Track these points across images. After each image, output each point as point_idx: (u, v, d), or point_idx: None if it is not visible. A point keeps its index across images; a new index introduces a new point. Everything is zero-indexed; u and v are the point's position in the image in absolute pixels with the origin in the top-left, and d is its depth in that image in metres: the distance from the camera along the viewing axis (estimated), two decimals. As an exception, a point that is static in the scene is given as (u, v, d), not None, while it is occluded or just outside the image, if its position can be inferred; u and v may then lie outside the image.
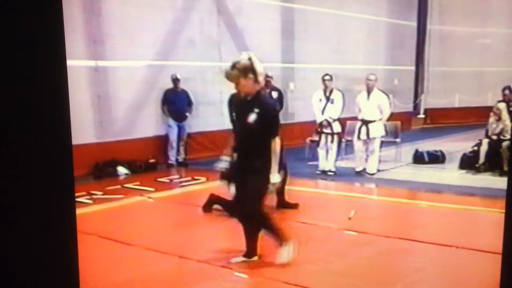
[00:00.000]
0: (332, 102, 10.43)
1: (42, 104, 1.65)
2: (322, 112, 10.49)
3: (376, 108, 10.44)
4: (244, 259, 5.51)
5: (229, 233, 6.15)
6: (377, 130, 10.48)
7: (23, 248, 1.64)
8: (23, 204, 1.63)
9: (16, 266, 1.63)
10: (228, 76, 5.20)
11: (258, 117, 5.15)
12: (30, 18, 1.60)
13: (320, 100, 10.53)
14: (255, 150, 5.20)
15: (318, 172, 10.67)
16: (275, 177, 5.17)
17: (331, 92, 10.49)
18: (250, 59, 5.16)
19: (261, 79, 5.25)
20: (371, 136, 10.45)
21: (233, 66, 5.16)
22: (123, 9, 11.05)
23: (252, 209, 5.27)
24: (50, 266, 1.71)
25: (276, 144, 5.16)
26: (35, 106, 1.64)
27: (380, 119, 10.49)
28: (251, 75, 5.13)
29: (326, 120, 10.46)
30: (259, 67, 5.19)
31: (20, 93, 1.59)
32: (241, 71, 5.12)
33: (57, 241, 1.71)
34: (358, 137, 10.61)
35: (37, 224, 1.67)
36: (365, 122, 10.48)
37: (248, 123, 5.18)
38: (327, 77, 10.53)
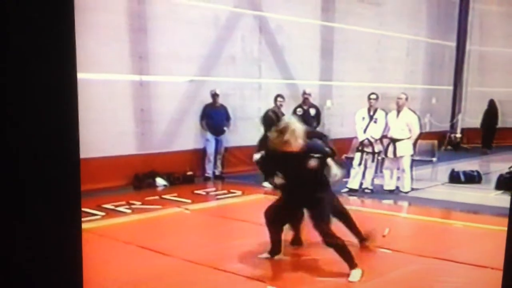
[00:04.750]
0: (375, 122, 10.44)
1: (51, 114, 1.61)
2: (364, 131, 10.49)
3: (405, 127, 10.44)
4: (269, 256, 6.06)
5: (264, 246, 6.25)
6: (405, 149, 10.45)
7: (27, 258, 1.63)
8: (29, 215, 1.60)
9: (21, 275, 1.63)
10: (276, 144, 5.46)
11: (318, 159, 5.55)
12: (42, 29, 1.55)
13: (363, 118, 10.52)
14: (317, 184, 5.71)
15: (345, 189, 10.46)
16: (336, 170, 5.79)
17: (375, 111, 10.50)
18: (291, 123, 5.50)
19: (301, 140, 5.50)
20: (398, 154, 10.45)
21: (280, 133, 5.42)
22: (168, 26, 11.34)
23: (326, 235, 5.55)
24: (55, 277, 1.70)
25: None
26: (44, 117, 1.60)
27: (409, 138, 10.48)
28: (298, 139, 5.44)
29: (367, 139, 10.47)
30: (300, 129, 5.50)
31: (30, 104, 1.56)
32: (290, 136, 5.38)
33: (63, 253, 1.70)
34: (386, 155, 10.63)
35: (43, 235, 1.65)
36: (393, 141, 10.49)
37: (309, 168, 5.51)
38: (373, 96, 10.50)
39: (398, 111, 10.52)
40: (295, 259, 5.91)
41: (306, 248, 6.24)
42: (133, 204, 9.18)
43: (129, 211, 8.76)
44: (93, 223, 7.81)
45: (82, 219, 7.80)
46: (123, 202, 9.19)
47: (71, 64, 1.62)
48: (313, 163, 5.53)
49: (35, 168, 1.58)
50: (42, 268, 1.66)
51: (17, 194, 1.56)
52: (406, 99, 10.60)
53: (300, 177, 5.69)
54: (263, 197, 10.07)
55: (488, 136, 17.95)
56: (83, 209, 7.27)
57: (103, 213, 8.43)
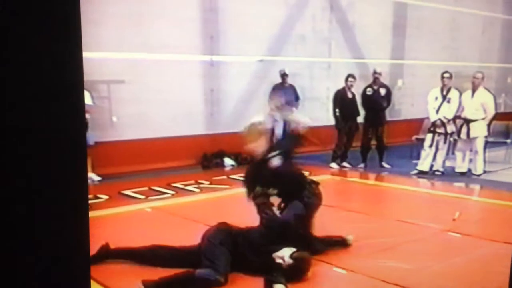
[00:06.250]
0: (448, 101, 10.17)
1: (54, 98, 1.53)
2: (437, 111, 10.24)
3: (480, 107, 10.11)
4: None
5: (329, 225, 6.25)
6: (479, 130, 10.14)
7: (33, 248, 1.57)
8: (34, 203, 1.54)
9: (25, 264, 1.57)
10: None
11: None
12: (44, 11, 1.48)
13: (436, 98, 10.27)
14: None
15: (415, 171, 10.44)
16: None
17: (448, 90, 10.24)
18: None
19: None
20: (471, 135, 10.14)
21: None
22: (239, 6, 11.41)
23: None
24: (61, 266, 1.64)
25: None
26: (47, 100, 1.52)
27: (483, 119, 10.15)
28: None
29: (439, 119, 10.23)
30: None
31: (33, 88, 1.49)
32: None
33: (70, 241, 1.64)
34: (459, 136, 10.35)
35: (49, 224, 1.59)
36: (467, 121, 10.18)
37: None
38: (446, 75, 10.23)
39: (473, 91, 10.18)
40: (358, 244, 5.87)
41: (367, 232, 6.18)
42: (202, 183, 9.36)
43: (197, 190, 8.94)
44: (163, 201, 8.03)
45: (153, 197, 8.03)
46: (192, 181, 9.38)
47: (75, 42, 1.55)
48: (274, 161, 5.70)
49: (38, 156, 1.54)
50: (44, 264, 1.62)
51: (19, 176, 1.52)
52: (483, 78, 10.25)
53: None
54: (330, 177, 10.08)
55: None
56: (153, 187, 7.49)
57: (173, 192, 8.64)
